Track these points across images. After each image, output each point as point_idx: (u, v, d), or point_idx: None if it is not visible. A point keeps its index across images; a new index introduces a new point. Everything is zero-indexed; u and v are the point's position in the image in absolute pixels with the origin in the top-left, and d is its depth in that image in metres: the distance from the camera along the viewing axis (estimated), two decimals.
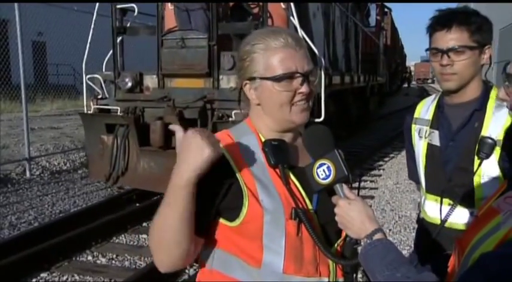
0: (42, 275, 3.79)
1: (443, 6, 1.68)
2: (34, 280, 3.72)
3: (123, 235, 4.74)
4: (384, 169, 7.95)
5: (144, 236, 4.65)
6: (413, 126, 1.86)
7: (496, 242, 0.78)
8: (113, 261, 4.11)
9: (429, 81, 68.06)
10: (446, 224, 1.62)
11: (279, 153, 1.14)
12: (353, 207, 1.08)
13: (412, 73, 63.92)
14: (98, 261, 4.11)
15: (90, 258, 4.17)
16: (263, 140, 1.18)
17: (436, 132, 1.73)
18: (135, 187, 5.29)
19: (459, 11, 1.63)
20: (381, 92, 15.84)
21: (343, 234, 1.17)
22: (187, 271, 3.76)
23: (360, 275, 1.20)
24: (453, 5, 1.89)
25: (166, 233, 1.10)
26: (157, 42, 5.27)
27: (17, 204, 5.67)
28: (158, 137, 4.86)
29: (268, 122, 1.20)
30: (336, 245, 1.18)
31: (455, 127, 1.68)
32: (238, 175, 1.12)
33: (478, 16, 1.62)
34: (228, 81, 5.19)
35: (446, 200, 1.67)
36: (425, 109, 1.82)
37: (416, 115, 1.85)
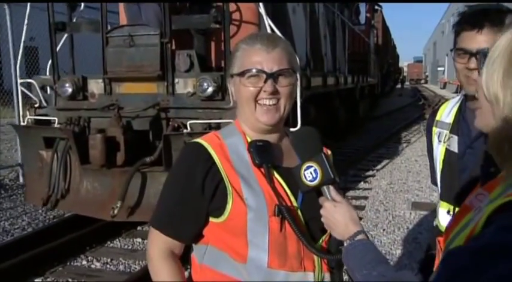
0: (36, 280, 3.76)
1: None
2: None
3: (117, 239, 4.65)
4: (377, 170, 7.90)
5: (139, 239, 4.63)
6: (434, 129, 1.76)
7: (464, 238, 0.83)
8: (108, 265, 4.08)
9: (422, 81, 67.84)
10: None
11: (264, 153, 1.20)
12: (338, 209, 1.12)
13: (405, 74, 63.58)
14: (93, 266, 4.06)
15: (84, 262, 4.13)
16: (249, 140, 1.23)
17: (455, 138, 1.64)
18: (77, 212, 4.47)
19: (492, 9, 1.48)
20: (372, 94, 15.07)
21: (329, 231, 1.22)
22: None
23: (344, 273, 1.24)
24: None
25: None
26: (102, 40, 4.45)
27: (10, 210, 5.61)
28: (99, 153, 4.05)
29: (245, 120, 1.26)
30: (321, 240, 1.23)
31: (475, 134, 1.56)
32: (224, 174, 1.17)
33: (508, 15, 1.44)
34: (185, 86, 4.39)
35: (458, 209, 1.44)
36: (447, 112, 1.72)
37: (438, 117, 1.75)
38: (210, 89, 4.17)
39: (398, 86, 44.19)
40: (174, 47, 4.81)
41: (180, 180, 1.23)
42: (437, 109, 1.79)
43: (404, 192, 6.39)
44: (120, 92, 4.56)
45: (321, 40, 6.78)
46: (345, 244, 1.11)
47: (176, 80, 4.39)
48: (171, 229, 1.23)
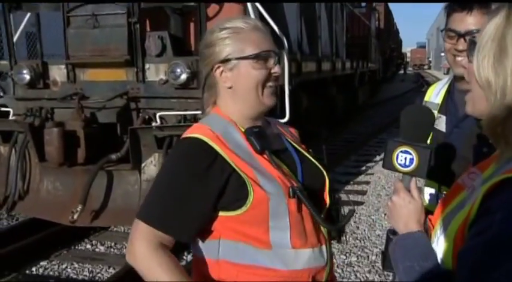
0: (42, 263, 3.74)
1: None
2: (34, 269, 3.67)
3: None
4: (379, 154, 7.71)
5: None
6: None
7: (462, 220, 0.86)
8: (112, 249, 4.02)
9: (425, 67, 66.96)
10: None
11: (262, 140, 1.17)
12: (410, 206, 1.07)
13: (408, 59, 62.69)
14: (97, 250, 4.03)
15: (88, 246, 4.08)
16: (242, 129, 1.20)
17: (443, 118, 1.69)
18: (36, 216, 3.99)
19: None
20: (373, 80, 14.49)
21: (326, 202, 1.25)
22: (185, 257, 3.75)
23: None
24: None
25: None
26: (63, 20, 3.92)
27: None
28: (55, 150, 3.55)
29: (241, 107, 1.21)
30: (323, 213, 1.24)
31: (462, 114, 1.57)
32: (234, 166, 1.12)
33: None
34: (156, 72, 3.87)
35: (444, 188, 1.59)
36: (435, 93, 1.76)
37: (426, 98, 1.78)
38: (184, 76, 3.65)
39: (401, 71, 43.48)
40: (148, 29, 4.30)
41: (177, 176, 1.15)
42: (426, 90, 1.82)
43: None
44: (85, 80, 4.04)
45: (316, 21, 6.19)
46: (399, 234, 1.09)
47: (147, 66, 3.87)
48: (166, 224, 1.13)
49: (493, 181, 0.82)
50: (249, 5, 3.88)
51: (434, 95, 1.76)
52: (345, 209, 1.26)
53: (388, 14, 20.20)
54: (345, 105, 9.13)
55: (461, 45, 1.49)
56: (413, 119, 1.15)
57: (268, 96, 1.19)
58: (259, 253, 1.15)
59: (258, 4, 3.94)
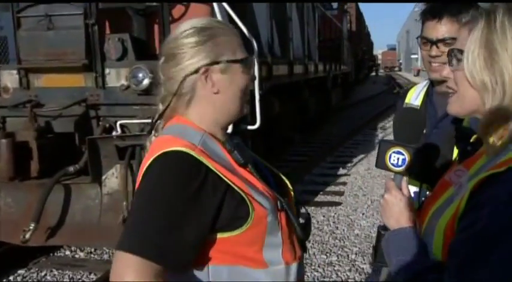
0: (19, 271, 3.60)
1: None
2: (11, 278, 3.53)
3: None
4: (355, 156, 7.91)
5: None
6: None
7: (451, 215, 0.92)
8: (92, 255, 3.93)
9: (396, 69, 68.18)
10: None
11: (242, 152, 1.08)
12: (400, 204, 1.11)
13: (379, 61, 63.68)
14: (77, 256, 3.92)
15: (68, 252, 3.96)
16: (217, 139, 1.11)
17: None
18: None
19: (452, 2, 1.62)
20: (345, 82, 14.48)
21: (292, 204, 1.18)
22: None
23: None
24: None
25: None
26: (12, 21, 3.61)
27: None
28: (5, 163, 3.24)
29: (219, 115, 1.11)
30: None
31: (440, 115, 1.69)
32: (228, 181, 1.01)
33: (472, 7, 1.55)
34: (117, 77, 3.61)
35: (425, 186, 1.69)
36: (415, 95, 1.85)
37: (407, 101, 1.86)
38: (146, 81, 3.41)
39: (373, 73, 44.08)
40: (109, 31, 4.03)
41: (168, 197, 0.98)
42: (406, 93, 1.89)
43: (382, 178, 6.29)
44: (40, 86, 3.75)
45: (287, 23, 6.02)
46: (391, 230, 1.13)
47: (107, 71, 3.61)
48: (165, 256, 0.95)
49: (480, 177, 0.88)
50: (215, 5, 3.67)
51: (414, 98, 1.84)
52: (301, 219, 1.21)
53: (360, 16, 20.33)
54: (318, 108, 9.00)
55: (434, 51, 1.59)
56: (406, 122, 1.19)
57: (246, 104, 1.14)
58: (256, 274, 1.06)
59: (225, 4, 3.75)
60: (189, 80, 1.06)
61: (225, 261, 1.04)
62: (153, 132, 1.14)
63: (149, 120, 3.48)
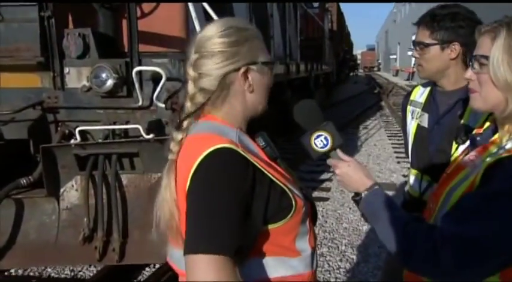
0: None
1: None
2: (13, 270, 3.46)
3: None
4: None
5: None
6: (408, 107, 2.04)
7: (465, 188, 1.09)
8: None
9: (375, 69, 68.69)
10: (424, 197, 1.82)
11: (272, 146, 1.17)
12: (351, 168, 1.25)
13: (359, 61, 64.01)
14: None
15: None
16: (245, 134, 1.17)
17: (426, 115, 1.91)
18: None
19: (433, 11, 1.78)
20: (327, 82, 14.24)
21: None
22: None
23: None
24: None
25: None
26: None
27: None
28: None
29: (248, 112, 1.18)
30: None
31: (441, 112, 1.84)
32: (271, 176, 1.08)
33: (451, 17, 1.74)
34: (78, 77, 3.22)
35: (425, 177, 1.85)
36: (420, 93, 2.00)
37: (412, 97, 2.03)
38: (110, 82, 3.03)
39: (352, 74, 44.26)
40: (72, 27, 3.63)
41: (230, 193, 1.01)
42: (411, 91, 2.08)
43: None
44: None
45: (268, 21, 5.70)
46: (363, 195, 1.24)
47: (66, 70, 3.21)
48: (237, 248, 0.98)
49: (494, 158, 1.06)
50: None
51: (419, 95, 2.01)
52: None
53: (341, 15, 20.15)
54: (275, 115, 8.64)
55: (415, 53, 1.83)
56: (306, 111, 1.28)
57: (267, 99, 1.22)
58: (291, 262, 1.14)
59: (205, 4, 3.41)
60: (228, 77, 1.12)
61: (267, 252, 1.10)
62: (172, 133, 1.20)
63: (115, 126, 3.11)
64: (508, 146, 1.09)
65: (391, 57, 57.35)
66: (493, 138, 1.18)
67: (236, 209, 1.01)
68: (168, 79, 3.09)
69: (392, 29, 61.56)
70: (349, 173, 1.25)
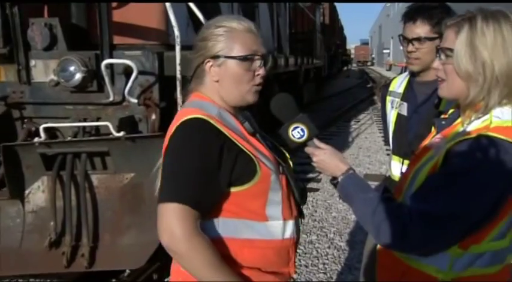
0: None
1: None
2: None
3: None
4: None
5: None
6: (388, 97, 2.18)
7: (430, 168, 1.22)
8: None
9: (369, 63, 68.65)
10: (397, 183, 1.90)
11: (252, 123, 1.31)
12: (328, 155, 1.36)
13: (352, 56, 63.88)
14: None
15: None
16: (230, 112, 1.30)
17: (405, 104, 2.04)
18: None
19: (425, 5, 1.90)
20: (318, 77, 14.06)
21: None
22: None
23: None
24: None
25: None
26: None
27: None
28: None
29: (225, 97, 1.30)
30: None
31: (420, 101, 1.99)
32: (240, 146, 1.22)
33: (441, 10, 1.87)
34: (45, 70, 3.02)
35: (406, 162, 1.89)
36: (398, 84, 2.14)
37: (391, 88, 2.17)
38: (79, 76, 2.83)
39: (345, 68, 44.15)
40: (47, 17, 3.41)
41: (195, 154, 1.19)
42: (390, 83, 2.23)
43: (357, 166, 6.77)
44: None
45: (255, 13, 5.50)
46: (339, 179, 1.34)
47: (32, 62, 3.01)
48: (197, 203, 1.17)
49: (456, 140, 1.19)
50: None
51: (397, 86, 2.13)
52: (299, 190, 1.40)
53: (333, 9, 19.94)
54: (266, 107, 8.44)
55: (410, 48, 1.92)
56: (282, 105, 1.37)
57: (251, 94, 1.30)
58: (257, 226, 1.27)
59: None
60: (201, 68, 1.29)
61: (233, 214, 1.24)
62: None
63: (83, 123, 2.91)
64: (467, 129, 1.22)
65: (385, 51, 57.29)
66: (456, 122, 1.30)
67: (199, 168, 1.17)
68: (140, 73, 2.90)
69: (385, 23, 61.47)
70: (326, 160, 1.36)
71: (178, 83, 2.83)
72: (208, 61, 1.27)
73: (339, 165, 1.35)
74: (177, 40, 2.83)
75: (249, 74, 1.26)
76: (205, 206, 1.19)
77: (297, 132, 1.35)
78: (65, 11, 3.48)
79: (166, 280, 3.23)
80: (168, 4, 2.82)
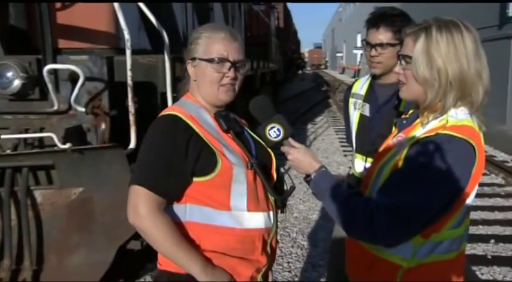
0: None
1: None
2: None
3: None
4: None
5: None
6: (350, 99, 2.28)
7: (393, 165, 1.34)
8: None
9: (322, 66, 69.98)
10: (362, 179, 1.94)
11: (227, 122, 1.44)
12: (302, 153, 1.45)
13: (306, 59, 64.87)
14: None
15: None
16: (210, 111, 1.47)
17: (367, 105, 2.15)
18: None
19: (387, 13, 2.02)
20: (274, 80, 14.08)
21: (273, 178, 1.55)
22: None
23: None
24: None
25: None
26: None
27: None
28: None
29: (203, 96, 1.48)
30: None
31: (381, 102, 2.10)
32: (206, 140, 1.38)
33: (402, 18, 2.01)
34: None
35: (369, 159, 2.04)
36: (360, 86, 2.25)
37: (353, 90, 2.28)
38: (17, 82, 2.60)
39: (300, 71, 44.76)
40: None
41: (163, 146, 1.36)
42: (352, 85, 2.34)
43: None
44: None
45: (209, 13, 5.35)
46: (312, 176, 1.43)
47: None
48: (162, 188, 1.35)
49: (417, 138, 1.32)
50: None
51: (359, 88, 2.23)
52: (287, 185, 1.58)
53: (287, 13, 20.10)
54: (246, 108, 8.39)
55: (373, 52, 2.02)
56: (260, 106, 1.48)
57: (224, 93, 1.45)
58: (220, 214, 1.40)
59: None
60: (187, 68, 1.50)
61: (199, 201, 1.40)
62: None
63: (24, 135, 2.66)
64: (427, 128, 1.33)
65: (338, 55, 58.61)
66: (416, 122, 1.40)
67: (165, 157, 1.34)
68: (88, 79, 2.69)
69: (338, 27, 62.95)
70: (300, 158, 1.45)
71: (129, 90, 2.65)
72: (189, 62, 1.48)
73: (312, 163, 1.43)
74: (127, 44, 2.65)
75: (219, 75, 1.43)
76: (169, 190, 1.37)
77: (273, 132, 1.44)
78: (2, 12, 3.21)
79: None
80: (116, 5, 2.63)
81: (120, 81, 2.86)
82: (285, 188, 1.58)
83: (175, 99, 3.42)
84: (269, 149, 1.54)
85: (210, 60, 1.42)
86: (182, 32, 4.32)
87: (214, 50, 1.42)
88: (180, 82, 1.56)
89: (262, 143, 1.51)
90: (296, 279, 3.57)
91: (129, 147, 2.69)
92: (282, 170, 1.59)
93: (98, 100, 2.75)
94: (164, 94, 3.15)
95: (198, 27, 5.27)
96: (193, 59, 1.45)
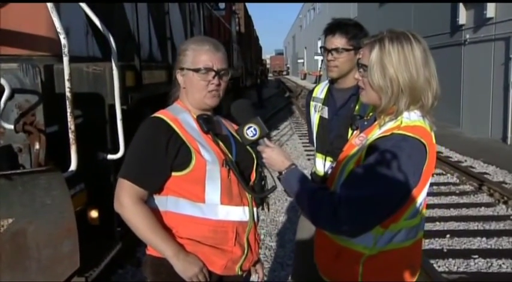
0: None
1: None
2: None
3: None
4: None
5: None
6: (311, 103, 2.47)
7: (354, 163, 1.48)
8: None
9: (284, 73, 70.55)
10: (328, 175, 2.01)
11: (209, 124, 1.65)
12: (275, 152, 1.59)
13: (268, 66, 65.17)
14: None
15: None
16: (195, 115, 1.68)
17: (326, 108, 2.34)
18: None
19: (343, 22, 2.24)
20: (236, 87, 13.81)
21: (253, 177, 1.72)
22: None
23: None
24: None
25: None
26: None
27: None
28: None
29: (191, 102, 1.70)
30: (250, 183, 1.71)
31: (338, 105, 2.28)
32: (184, 139, 1.59)
33: (355, 27, 2.23)
34: None
35: (328, 158, 2.25)
36: (320, 90, 2.45)
37: (314, 95, 2.47)
38: None
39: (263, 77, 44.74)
40: None
41: (146, 144, 1.58)
42: (313, 90, 2.52)
43: None
44: None
45: (165, 19, 4.99)
46: (283, 173, 1.55)
47: None
48: (143, 181, 1.58)
49: (375, 138, 1.46)
50: None
51: (319, 92, 2.45)
52: (268, 185, 1.73)
53: (248, 18, 19.92)
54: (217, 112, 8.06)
55: (329, 57, 2.24)
56: (240, 108, 1.63)
57: (209, 98, 1.66)
58: (196, 206, 1.60)
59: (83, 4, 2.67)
60: (177, 77, 1.71)
61: (177, 193, 1.60)
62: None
63: None
64: (383, 129, 1.47)
65: (299, 61, 59.17)
66: (374, 124, 1.55)
67: (147, 155, 1.58)
68: (17, 91, 2.30)
69: (299, 34, 63.67)
70: (273, 156, 1.57)
71: (68, 103, 2.28)
72: (178, 72, 1.69)
73: (284, 161, 1.56)
74: (64, 50, 2.29)
75: (205, 82, 1.64)
76: (150, 183, 1.59)
77: (250, 131, 1.57)
78: None
79: None
80: (50, 5, 2.27)
81: (62, 93, 2.49)
82: (266, 186, 1.72)
83: (128, 112, 3.09)
84: (251, 151, 1.71)
85: (197, 70, 1.64)
86: (137, 39, 3.94)
87: (201, 60, 1.64)
88: (172, 90, 1.76)
89: (247, 145, 1.65)
90: (265, 278, 3.52)
91: (70, 169, 2.32)
92: (265, 170, 1.72)
93: (31, 115, 2.36)
94: (113, 106, 2.80)
95: (153, 31, 4.91)
96: (182, 68, 1.67)
